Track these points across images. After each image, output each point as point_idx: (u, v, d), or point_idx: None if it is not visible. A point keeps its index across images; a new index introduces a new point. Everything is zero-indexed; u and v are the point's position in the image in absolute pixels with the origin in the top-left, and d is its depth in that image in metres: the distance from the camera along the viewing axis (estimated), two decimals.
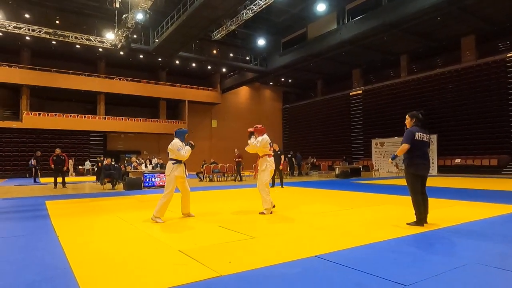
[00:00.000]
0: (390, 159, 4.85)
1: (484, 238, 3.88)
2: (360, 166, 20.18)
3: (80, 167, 24.12)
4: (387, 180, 15.12)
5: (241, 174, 16.17)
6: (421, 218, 4.41)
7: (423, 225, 4.39)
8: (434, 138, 20.61)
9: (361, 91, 27.58)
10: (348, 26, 19.56)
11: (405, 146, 4.40)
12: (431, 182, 13.07)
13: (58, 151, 12.61)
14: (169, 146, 5.39)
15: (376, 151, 24.01)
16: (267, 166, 5.83)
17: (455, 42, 21.72)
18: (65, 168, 12.64)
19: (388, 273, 2.64)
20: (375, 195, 8.61)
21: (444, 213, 5.66)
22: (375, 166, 22.68)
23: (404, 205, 6.60)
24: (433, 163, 20.53)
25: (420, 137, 4.40)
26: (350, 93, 28.46)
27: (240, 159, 15.80)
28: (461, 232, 4.23)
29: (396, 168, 20.36)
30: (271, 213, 5.74)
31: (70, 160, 23.85)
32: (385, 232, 4.14)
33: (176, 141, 5.40)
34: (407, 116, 4.65)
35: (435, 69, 22.82)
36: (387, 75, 26.79)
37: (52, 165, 12.38)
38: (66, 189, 11.97)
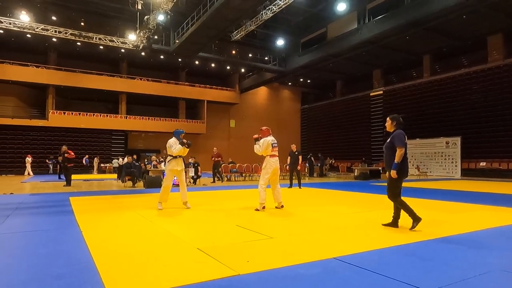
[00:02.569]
0: (393, 171, 4.33)
1: (509, 245, 3.74)
2: (380, 168, 19.81)
3: (102, 165, 24.79)
4: (407, 182, 14.76)
5: (222, 175, 15.41)
6: (416, 215, 4.33)
7: (420, 219, 4.32)
8: (457, 140, 20.02)
9: (381, 92, 27.06)
10: (369, 25, 19.23)
11: (402, 151, 4.30)
12: (454, 185, 12.72)
13: (64, 148, 12.43)
14: (167, 144, 6.31)
15: None
16: (267, 166, 6.16)
17: (481, 41, 20.96)
18: (69, 165, 12.31)
19: (408, 278, 2.59)
20: None
21: (467, 217, 5.50)
22: None
23: (426, 209, 6.44)
24: (456, 166, 19.96)
25: (406, 140, 4.41)
26: (370, 94, 27.97)
27: (219, 158, 15.00)
28: (484, 237, 4.09)
29: (418, 171, 19.88)
30: (263, 208, 6.08)
31: (96, 158, 24.56)
32: (405, 236, 4.05)
33: (171, 140, 6.28)
34: (388, 119, 4.58)
35: (460, 69, 22.10)
36: (409, 76, 26.17)
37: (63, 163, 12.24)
38: (75, 187, 11.67)
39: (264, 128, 6.38)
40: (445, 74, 22.84)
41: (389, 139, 4.47)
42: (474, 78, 21.12)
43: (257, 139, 6.34)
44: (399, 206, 4.43)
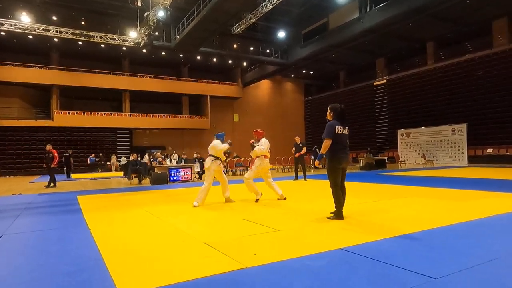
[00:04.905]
0: (316, 161, 4.98)
1: None
2: (386, 158, 19.72)
3: (108, 163, 24.96)
4: (414, 171, 14.70)
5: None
6: (340, 210, 4.47)
7: (343, 218, 4.43)
8: (463, 127, 19.83)
9: (385, 81, 26.82)
10: (371, 14, 19.00)
11: (328, 142, 4.43)
12: (460, 173, 12.64)
13: (48, 147, 11.82)
14: (210, 145, 6.41)
15: (402, 142, 23.37)
16: (261, 165, 6.45)
17: (486, 26, 20.63)
18: (52, 165, 11.67)
19: (416, 266, 2.59)
20: (402, 187, 8.40)
21: (474, 205, 5.47)
22: (401, 157, 22.10)
23: (433, 197, 6.42)
24: (462, 153, 19.80)
25: (340, 130, 4.46)
26: (374, 83, 27.75)
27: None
28: (492, 224, 4.07)
29: (424, 159, 19.77)
30: (260, 194, 6.44)
31: (113, 156, 24.50)
32: (412, 225, 4.04)
33: (215, 141, 6.41)
34: (328, 108, 4.68)
35: (465, 55, 21.80)
36: (413, 63, 25.88)
37: (44, 165, 11.65)
38: (73, 184, 11.54)
39: (259, 130, 6.73)
40: (449, 61, 22.56)
41: None
42: (479, 64, 20.85)
43: (253, 143, 6.61)
44: (333, 194, 4.50)
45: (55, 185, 11.70)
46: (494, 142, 19.24)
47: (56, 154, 11.71)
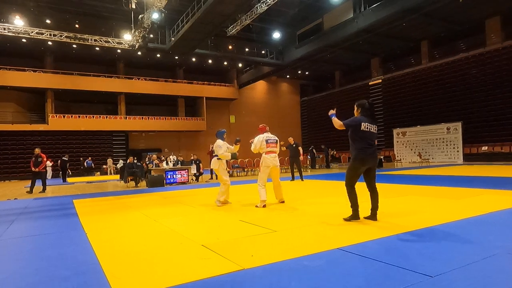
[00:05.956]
0: (334, 118, 4.42)
1: None
2: (382, 157, 19.80)
3: (104, 166, 24.84)
4: (410, 170, 14.77)
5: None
6: (356, 210, 4.26)
7: (359, 218, 4.26)
8: (458, 125, 19.96)
9: (380, 80, 26.95)
10: (365, 14, 19.09)
11: (340, 124, 4.21)
12: (456, 171, 12.70)
13: (37, 151, 11.48)
14: (214, 145, 6.53)
15: (398, 141, 23.48)
16: (263, 163, 6.12)
17: (479, 24, 20.81)
18: (37, 169, 11.27)
19: (413, 265, 2.60)
20: (398, 186, 8.43)
21: (470, 202, 5.49)
22: (397, 156, 22.21)
23: (429, 195, 6.45)
24: (458, 151, 19.92)
25: (367, 127, 4.17)
26: (369, 83, 27.87)
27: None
28: (489, 221, 4.09)
29: (420, 158, 19.87)
30: (264, 206, 5.86)
31: (109, 160, 24.38)
32: (409, 223, 4.05)
33: (218, 142, 6.46)
34: (355, 106, 4.42)
35: (458, 54, 21.98)
36: (407, 63, 26.03)
37: (33, 168, 11.32)
38: (73, 187, 11.41)
39: (260, 125, 6.42)
40: (443, 60, 22.73)
41: None
42: (473, 63, 21.01)
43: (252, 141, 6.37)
44: (348, 195, 4.32)
45: (44, 190, 11.36)
46: (489, 140, 19.40)
47: (45, 159, 11.46)
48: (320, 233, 3.85)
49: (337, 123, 4.29)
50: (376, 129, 4.31)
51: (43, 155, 11.43)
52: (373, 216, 4.30)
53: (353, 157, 4.22)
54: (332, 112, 4.54)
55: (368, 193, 4.34)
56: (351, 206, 4.29)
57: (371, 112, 4.32)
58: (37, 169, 11.26)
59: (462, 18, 20.46)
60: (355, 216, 4.27)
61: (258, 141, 6.17)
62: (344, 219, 4.35)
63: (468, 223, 4.03)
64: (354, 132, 4.22)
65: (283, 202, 6.30)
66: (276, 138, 6.33)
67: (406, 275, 2.41)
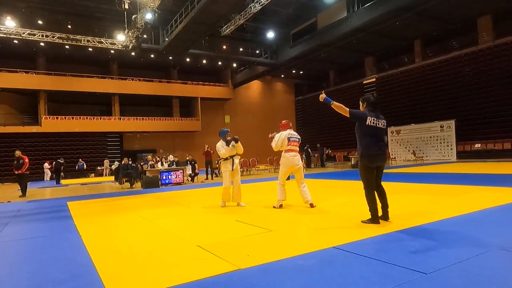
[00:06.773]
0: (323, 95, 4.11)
1: (506, 224, 3.78)
2: None
3: (99, 167, 24.67)
4: (404, 168, 14.87)
5: (218, 171, 14.87)
6: (375, 214, 3.99)
7: (379, 223, 3.95)
8: (451, 123, 20.13)
9: (374, 79, 27.10)
10: (359, 13, 19.17)
11: (345, 111, 3.93)
12: (450, 168, 12.82)
13: (18, 153, 11.07)
14: (216, 148, 6.42)
15: (392, 140, 23.61)
16: (283, 161, 5.85)
17: (471, 23, 21.00)
18: (19, 172, 10.85)
19: (408, 262, 2.62)
20: (393, 184, 8.49)
21: (464, 199, 5.55)
22: (392, 154, 22.33)
23: (423, 193, 6.50)
24: (451, 149, 20.09)
25: (373, 122, 3.91)
26: (363, 82, 28.00)
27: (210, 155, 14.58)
28: (481, 218, 4.13)
29: (414, 156, 20.00)
30: (280, 206, 5.70)
31: (106, 161, 24.15)
32: (404, 221, 4.08)
33: (218, 143, 6.36)
34: (359, 102, 4.19)
35: (451, 53, 22.17)
36: (401, 62, 26.21)
37: (15, 170, 10.99)
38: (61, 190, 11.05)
39: (283, 121, 5.98)
40: (436, 58, 22.91)
41: None
42: (465, 61, 21.21)
43: (273, 138, 5.97)
44: (366, 197, 4.09)
45: (24, 194, 10.90)
46: (482, 138, 19.58)
47: (27, 160, 11.05)
48: (315, 232, 3.86)
49: (340, 107, 3.94)
50: (385, 124, 4.04)
51: (24, 157, 11.02)
52: (385, 216, 4.09)
53: (361, 156, 4.02)
54: (323, 96, 4.15)
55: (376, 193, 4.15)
56: (370, 210, 4.02)
57: (376, 105, 4.10)
58: (19, 172, 10.84)
59: (454, 16, 20.64)
60: (373, 220, 3.99)
61: (280, 138, 5.75)
62: (362, 221, 4.10)
63: (462, 220, 4.07)
64: (360, 126, 3.97)
65: (312, 205, 5.58)
66: (299, 137, 5.98)
67: (400, 272, 2.43)
